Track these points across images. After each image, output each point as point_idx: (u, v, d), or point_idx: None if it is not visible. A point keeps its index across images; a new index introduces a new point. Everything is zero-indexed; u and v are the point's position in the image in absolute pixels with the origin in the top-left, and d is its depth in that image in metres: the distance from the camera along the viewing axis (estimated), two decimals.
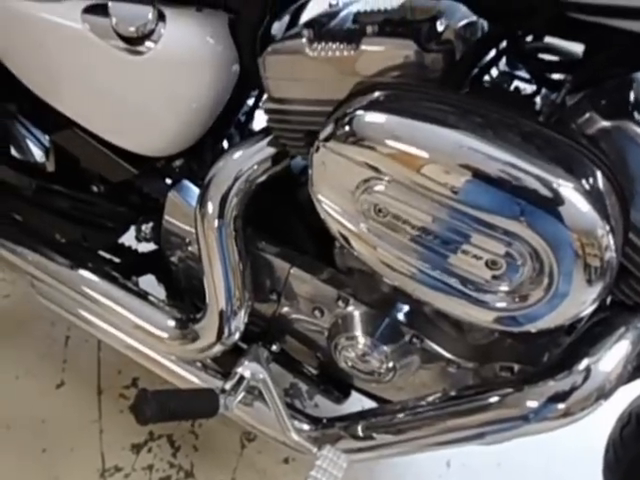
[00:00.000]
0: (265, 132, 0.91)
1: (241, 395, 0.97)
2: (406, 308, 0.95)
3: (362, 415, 0.98)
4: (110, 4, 0.85)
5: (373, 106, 0.72)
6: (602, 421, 1.06)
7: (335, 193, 0.77)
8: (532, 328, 0.74)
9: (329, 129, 0.74)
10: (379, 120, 0.71)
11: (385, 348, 0.94)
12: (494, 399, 0.83)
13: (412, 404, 0.92)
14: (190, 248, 1.04)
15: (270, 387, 0.98)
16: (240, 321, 0.99)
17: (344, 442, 0.97)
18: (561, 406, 0.78)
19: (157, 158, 1.00)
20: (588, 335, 0.81)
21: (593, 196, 0.65)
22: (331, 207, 0.78)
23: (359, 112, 0.71)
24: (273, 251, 1.00)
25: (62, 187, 1.13)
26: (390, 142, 0.69)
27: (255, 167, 0.92)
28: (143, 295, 1.07)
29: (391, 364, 0.95)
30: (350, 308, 0.97)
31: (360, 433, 0.96)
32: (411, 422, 0.91)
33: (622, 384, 0.80)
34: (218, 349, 1.01)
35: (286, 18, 0.91)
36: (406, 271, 0.77)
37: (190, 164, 1.02)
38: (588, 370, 0.77)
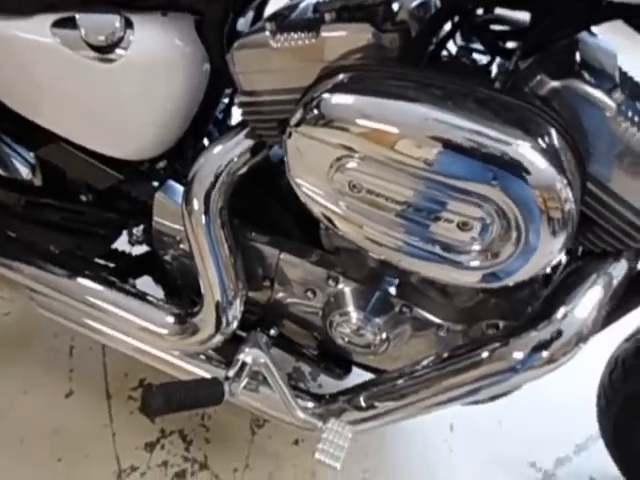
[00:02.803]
0: (241, 126, 0.95)
1: (245, 381, 1.01)
2: (394, 280, 1.00)
3: (363, 386, 1.02)
4: (78, 16, 0.87)
5: (338, 88, 0.76)
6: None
7: (311, 175, 0.81)
8: (510, 282, 0.78)
9: (299, 114, 0.78)
10: (345, 101, 0.75)
11: (377, 320, 0.99)
12: (484, 355, 0.88)
13: (409, 370, 0.97)
14: (182, 246, 1.08)
15: (272, 370, 1.02)
16: (236, 310, 1.03)
17: (348, 414, 1.02)
18: (545, 354, 0.84)
19: (141, 162, 1.03)
20: (563, 286, 0.86)
21: (550, 153, 0.69)
22: (309, 189, 0.82)
23: (325, 95, 0.76)
24: (262, 239, 1.04)
25: (51, 200, 1.16)
26: (357, 121, 0.74)
27: (235, 160, 0.95)
28: (141, 296, 1.11)
29: (384, 335, 1.00)
30: (340, 286, 1.01)
31: (362, 404, 1.00)
32: (409, 387, 0.96)
33: (599, 328, 0.85)
34: (218, 339, 1.05)
35: (250, 14, 0.95)
36: (387, 243, 0.81)
37: (173, 165, 1.06)
38: (566, 318, 0.83)
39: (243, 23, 0.93)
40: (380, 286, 1.00)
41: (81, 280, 1.12)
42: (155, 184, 1.07)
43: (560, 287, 0.87)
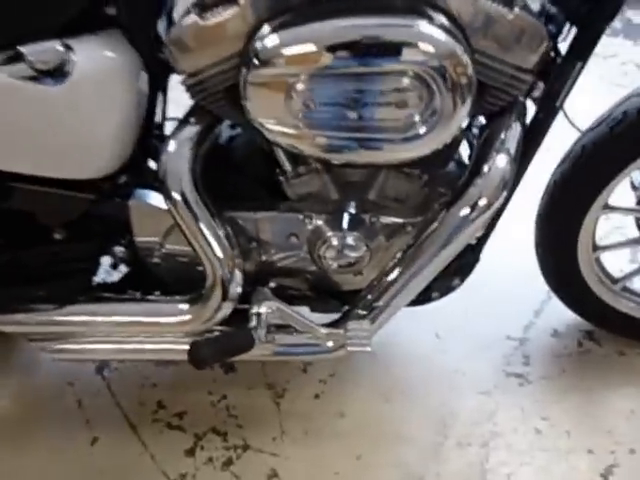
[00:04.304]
0: (191, 111, 1.10)
1: (265, 327, 1.13)
2: (356, 201, 1.18)
3: (363, 295, 1.18)
4: (21, 49, 0.97)
5: (268, 33, 0.95)
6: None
7: (271, 110, 0.99)
8: (445, 139, 1.01)
9: (246, 68, 0.96)
10: (278, 40, 0.95)
11: (355, 234, 1.15)
12: (443, 219, 1.09)
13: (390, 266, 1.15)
14: (168, 246, 1.20)
15: (286, 309, 1.15)
16: (238, 276, 1.16)
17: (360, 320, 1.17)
18: (483, 202, 1.05)
19: (105, 179, 1.13)
20: (482, 149, 1.09)
21: (444, 28, 0.93)
22: (272, 123, 1.00)
23: (261, 43, 0.95)
24: (238, 208, 1.18)
25: (22, 249, 1.21)
26: (292, 51, 0.94)
27: (195, 145, 1.09)
28: (147, 299, 1.21)
29: (364, 246, 1.17)
30: (315, 221, 1.17)
31: (368, 304, 1.16)
32: (401, 266, 1.14)
33: (517, 172, 1.09)
34: (228, 306, 1.17)
35: (164, 18, 1.11)
36: (347, 145, 1.01)
37: (137, 171, 1.18)
38: (490, 170, 1.05)
39: (160, 25, 1.08)
40: (347, 209, 1.17)
41: (85, 306, 1.20)
42: (124, 196, 1.17)
43: (480, 152, 1.09)
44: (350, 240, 1.16)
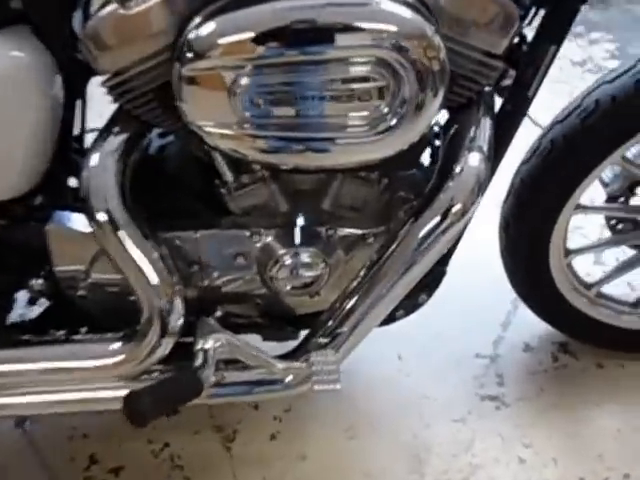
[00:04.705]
0: (115, 118, 0.96)
1: (213, 366, 0.98)
2: (309, 212, 1.05)
3: (323, 320, 1.04)
4: None
5: (203, 21, 0.81)
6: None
7: (209, 110, 0.85)
8: (413, 138, 0.88)
9: (179, 63, 0.82)
10: (213, 27, 0.81)
11: (310, 249, 1.02)
12: (414, 229, 0.96)
13: (355, 282, 1.02)
14: (94, 275, 1.03)
15: (236, 342, 1.00)
16: (178, 306, 1.00)
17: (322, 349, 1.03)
18: (456, 208, 0.94)
19: (16, 200, 0.97)
20: (451, 147, 0.98)
21: (411, 6, 0.81)
22: (211, 125, 0.86)
23: (194, 34, 0.81)
24: (175, 227, 1.03)
25: None
26: (231, 38, 0.81)
27: (122, 157, 0.95)
28: (72, 339, 1.04)
29: (321, 263, 1.03)
30: (264, 238, 1.03)
31: (331, 330, 1.02)
32: (364, 289, 1.00)
33: (492, 168, 0.98)
34: (168, 342, 1.01)
35: (80, 12, 0.96)
36: (301, 148, 0.87)
37: (55, 191, 1.01)
38: (463, 171, 0.94)
39: (76, 20, 0.93)
40: (299, 222, 1.04)
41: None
42: (40, 219, 1.01)
43: (448, 151, 0.98)
44: (305, 257, 1.02)
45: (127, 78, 0.88)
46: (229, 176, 1.00)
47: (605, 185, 1.28)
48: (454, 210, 0.94)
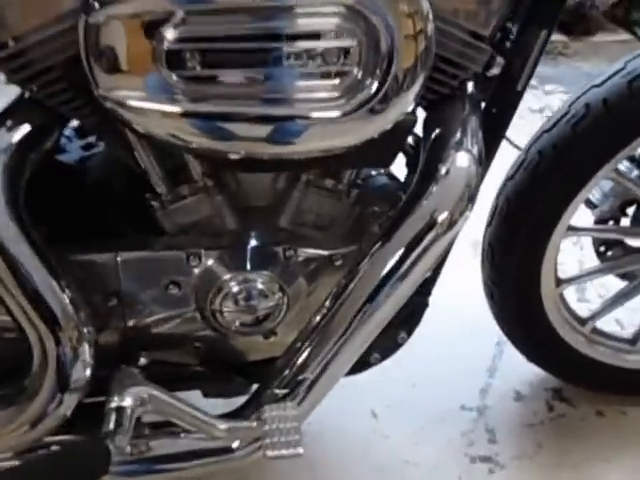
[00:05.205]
0: (10, 109, 0.74)
1: (131, 430, 0.74)
2: (263, 229, 0.85)
3: (281, 365, 0.83)
4: None
5: None
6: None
7: (129, 77, 0.65)
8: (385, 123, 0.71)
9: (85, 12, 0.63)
10: None
11: (264, 273, 0.82)
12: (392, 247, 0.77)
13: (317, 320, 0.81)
14: None
15: (165, 398, 0.77)
16: (85, 352, 0.76)
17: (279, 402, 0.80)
18: (442, 217, 0.76)
19: None
20: (434, 144, 0.80)
21: None
22: (133, 98, 0.66)
23: None
24: (89, 249, 0.81)
25: None
26: None
27: (14, 159, 0.73)
28: None
29: (278, 291, 0.83)
30: (205, 261, 0.82)
31: (290, 379, 0.81)
32: (334, 327, 0.80)
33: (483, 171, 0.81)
34: (69, 401, 0.76)
35: None
36: (251, 126, 0.68)
37: None
38: (449, 173, 0.76)
39: None
40: (249, 239, 0.84)
41: None
42: None
43: (431, 151, 0.81)
44: (257, 283, 0.82)
45: (25, 47, 0.67)
46: (162, 186, 0.81)
47: (593, 207, 1.14)
48: (440, 220, 0.75)
